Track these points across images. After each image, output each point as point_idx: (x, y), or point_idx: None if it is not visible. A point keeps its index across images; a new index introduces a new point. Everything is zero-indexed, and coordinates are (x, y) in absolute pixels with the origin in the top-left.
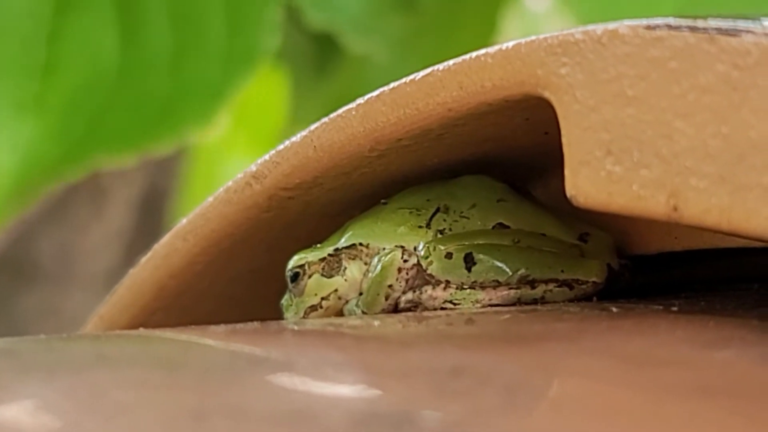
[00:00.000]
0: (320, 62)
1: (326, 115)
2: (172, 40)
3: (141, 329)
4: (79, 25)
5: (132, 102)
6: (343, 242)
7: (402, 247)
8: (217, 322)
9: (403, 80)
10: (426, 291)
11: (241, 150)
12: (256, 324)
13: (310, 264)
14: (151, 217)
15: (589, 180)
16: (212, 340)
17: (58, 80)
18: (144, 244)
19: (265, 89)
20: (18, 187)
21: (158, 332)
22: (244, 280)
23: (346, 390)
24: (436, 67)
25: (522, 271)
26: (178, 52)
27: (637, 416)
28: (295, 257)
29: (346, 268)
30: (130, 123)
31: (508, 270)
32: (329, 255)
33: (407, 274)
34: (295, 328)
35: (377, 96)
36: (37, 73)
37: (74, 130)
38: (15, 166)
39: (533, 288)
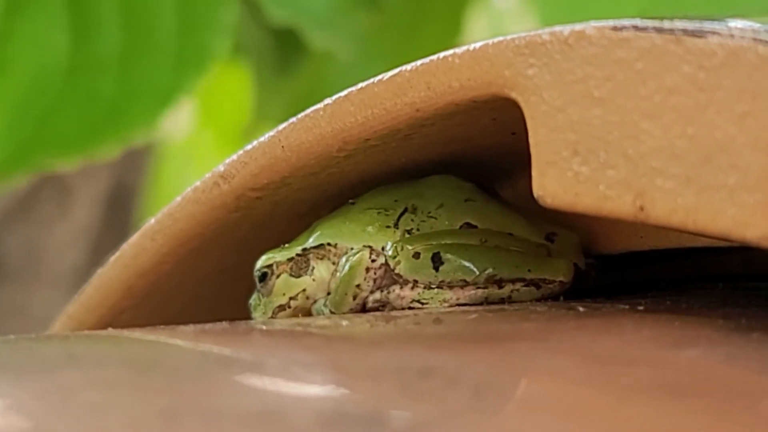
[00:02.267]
0: (283, 59)
1: (290, 112)
2: (122, 42)
3: (110, 329)
4: (28, 25)
5: (79, 103)
6: (311, 242)
7: (370, 246)
8: (185, 322)
9: (371, 80)
10: (394, 290)
11: (208, 147)
12: (224, 324)
13: (278, 264)
14: (117, 214)
15: (556, 180)
16: (181, 340)
17: (6, 81)
18: (110, 241)
19: (232, 86)
20: None
21: (127, 332)
22: (213, 280)
23: (315, 390)
24: (403, 68)
25: (489, 271)
26: (128, 54)
27: (604, 415)
28: (264, 257)
29: (314, 267)
30: (76, 125)
31: (475, 269)
32: (297, 255)
33: (375, 273)
34: (264, 328)
35: (345, 96)
36: None
37: (21, 132)
38: None
39: (500, 287)
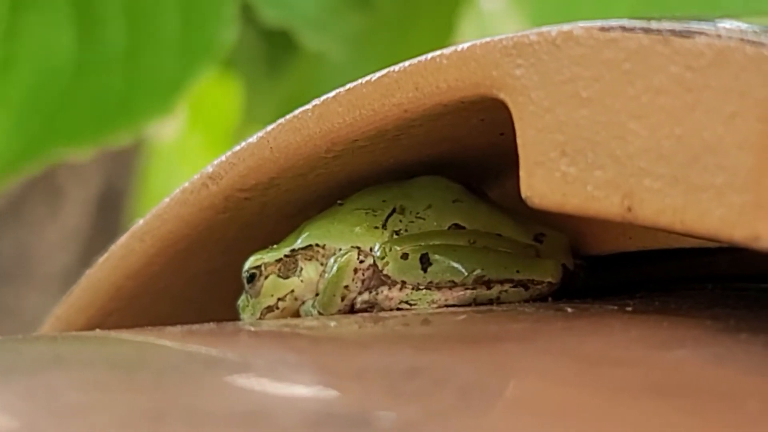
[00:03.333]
0: (275, 60)
1: (281, 113)
2: (128, 35)
3: (97, 330)
4: (34, 21)
5: (88, 97)
6: (299, 243)
7: (358, 247)
8: (174, 323)
9: (359, 81)
10: (382, 292)
11: (197, 149)
12: (212, 325)
13: (266, 265)
14: (107, 216)
15: (544, 181)
16: (168, 341)
17: (14, 77)
18: (101, 244)
19: (221, 87)
20: None
21: (114, 333)
22: (201, 281)
23: (301, 391)
24: (391, 68)
25: (478, 272)
26: (134, 47)
27: (591, 416)
28: (252, 258)
29: (302, 269)
30: (87, 117)
31: (463, 270)
32: (285, 256)
33: (363, 274)
34: (251, 329)
35: (333, 97)
36: None
37: (32, 126)
38: None
39: (489, 288)
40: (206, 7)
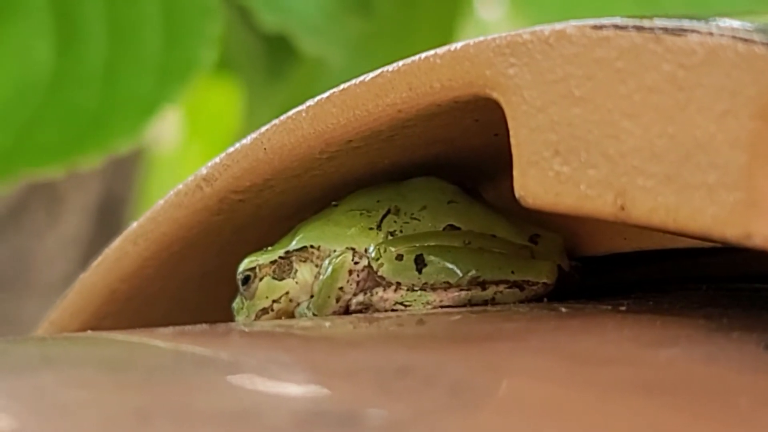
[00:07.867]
0: (274, 65)
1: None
2: (108, 52)
3: (88, 331)
4: (13, 35)
5: (62, 114)
6: (294, 245)
7: (353, 249)
8: (168, 326)
9: (353, 82)
10: (377, 293)
11: (197, 157)
12: (204, 326)
13: (261, 267)
14: (107, 224)
15: (538, 180)
16: (159, 341)
17: None
18: (100, 251)
19: (220, 96)
20: None
21: (105, 334)
22: (196, 284)
23: (292, 389)
24: (385, 69)
25: (472, 273)
26: (113, 65)
27: (582, 414)
28: (246, 260)
29: (297, 270)
30: (58, 136)
31: (458, 271)
32: (280, 258)
33: (358, 276)
34: (243, 329)
35: (327, 98)
36: None
37: (2, 143)
38: None
39: (484, 289)
40: (190, 26)
